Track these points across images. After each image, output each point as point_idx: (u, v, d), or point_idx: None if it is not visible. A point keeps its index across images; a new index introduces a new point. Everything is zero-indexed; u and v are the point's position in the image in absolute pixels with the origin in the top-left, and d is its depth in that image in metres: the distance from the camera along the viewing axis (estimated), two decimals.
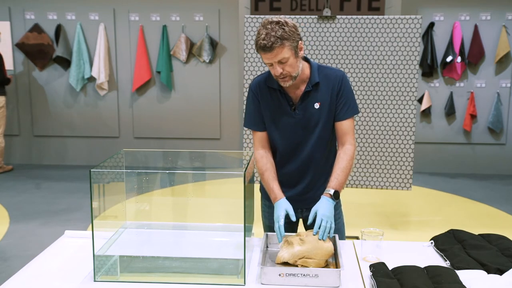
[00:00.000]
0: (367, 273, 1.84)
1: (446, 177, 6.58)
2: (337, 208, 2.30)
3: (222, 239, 2.22)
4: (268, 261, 1.96)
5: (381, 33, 3.90)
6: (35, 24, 6.87)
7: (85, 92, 7.05)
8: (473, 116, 6.63)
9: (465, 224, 4.60)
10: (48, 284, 1.79)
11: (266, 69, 2.14)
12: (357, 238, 3.27)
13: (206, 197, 2.25)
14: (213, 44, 6.77)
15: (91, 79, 6.96)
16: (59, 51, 6.77)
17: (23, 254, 3.94)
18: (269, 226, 2.34)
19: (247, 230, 1.88)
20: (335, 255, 1.93)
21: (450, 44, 6.46)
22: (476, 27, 6.46)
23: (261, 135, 2.25)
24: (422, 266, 1.85)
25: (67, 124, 7.13)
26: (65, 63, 6.90)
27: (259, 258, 1.85)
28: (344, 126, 2.18)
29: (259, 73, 3.87)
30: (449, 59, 6.43)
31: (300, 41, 2.03)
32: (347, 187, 3.98)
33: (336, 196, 2.07)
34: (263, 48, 1.96)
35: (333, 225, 2.00)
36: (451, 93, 6.60)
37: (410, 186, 4.06)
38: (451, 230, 2.24)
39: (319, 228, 1.96)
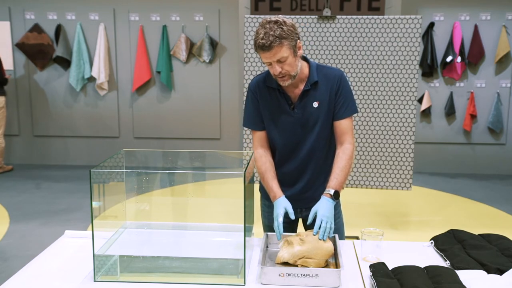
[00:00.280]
0: (367, 273, 1.84)
1: (446, 177, 6.58)
2: (336, 208, 2.30)
3: (222, 239, 2.22)
4: (268, 261, 1.96)
5: (381, 33, 3.90)
6: (35, 24, 6.87)
7: (85, 92, 7.05)
8: (473, 116, 6.63)
9: (465, 224, 4.60)
10: (48, 284, 1.79)
11: (266, 69, 2.15)
12: (357, 238, 3.27)
13: (206, 197, 2.25)
14: (213, 44, 6.77)
15: (91, 79, 6.96)
16: (59, 51, 6.77)
17: (23, 254, 3.94)
18: (269, 226, 2.34)
19: (247, 230, 1.88)
20: (335, 255, 1.93)
21: (450, 44, 6.46)
22: (476, 27, 6.46)
23: (260, 135, 2.25)
24: (422, 266, 1.85)
25: (67, 124, 7.13)
26: (65, 63, 6.90)
27: (259, 258, 1.85)
28: (343, 125, 2.18)
29: (259, 73, 3.87)
30: (449, 59, 6.43)
31: (298, 40, 2.04)
32: (347, 187, 3.98)
33: (336, 196, 2.07)
34: (261, 47, 1.96)
35: (333, 226, 2.01)
36: (451, 93, 6.60)
37: (410, 186, 4.06)
38: (451, 230, 2.24)
39: (319, 229, 1.96)
